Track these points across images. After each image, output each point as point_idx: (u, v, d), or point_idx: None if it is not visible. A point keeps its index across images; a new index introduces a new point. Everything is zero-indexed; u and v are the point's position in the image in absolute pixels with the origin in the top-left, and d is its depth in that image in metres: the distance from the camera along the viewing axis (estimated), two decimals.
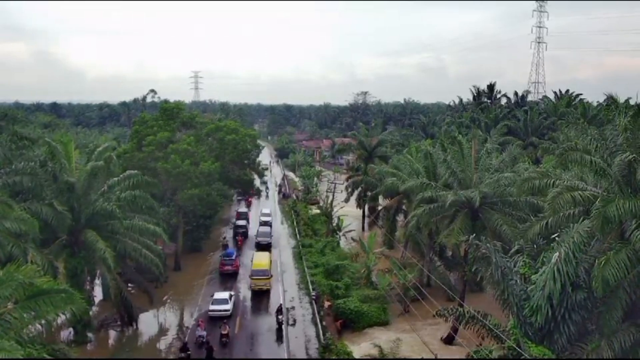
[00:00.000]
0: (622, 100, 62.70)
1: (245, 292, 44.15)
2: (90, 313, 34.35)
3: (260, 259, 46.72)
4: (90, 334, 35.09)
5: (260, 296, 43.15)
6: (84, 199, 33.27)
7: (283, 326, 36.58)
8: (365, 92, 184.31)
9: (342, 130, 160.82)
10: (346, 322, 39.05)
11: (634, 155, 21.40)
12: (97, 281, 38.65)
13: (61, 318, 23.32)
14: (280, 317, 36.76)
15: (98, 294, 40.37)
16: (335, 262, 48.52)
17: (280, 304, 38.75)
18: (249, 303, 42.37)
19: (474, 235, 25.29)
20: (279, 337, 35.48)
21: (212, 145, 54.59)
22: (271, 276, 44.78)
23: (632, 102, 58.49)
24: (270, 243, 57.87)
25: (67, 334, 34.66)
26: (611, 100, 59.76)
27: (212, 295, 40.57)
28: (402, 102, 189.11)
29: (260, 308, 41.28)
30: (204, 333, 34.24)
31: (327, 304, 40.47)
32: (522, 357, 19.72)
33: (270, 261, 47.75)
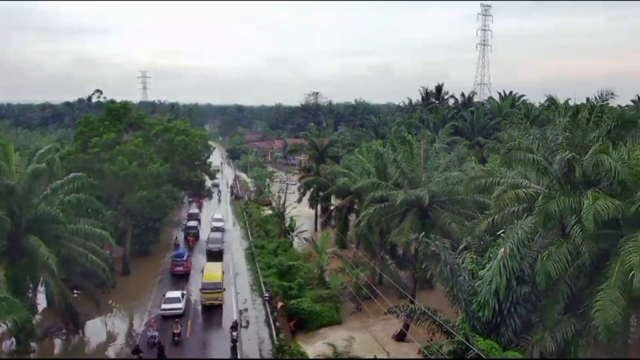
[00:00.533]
0: (561, 101, 65.28)
1: (198, 295, 42.96)
2: (34, 322, 32.96)
3: (212, 271, 42.64)
4: (33, 344, 33.65)
5: (212, 310, 39.89)
6: (25, 203, 31.91)
7: (238, 344, 33.91)
8: (317, 93, 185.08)
9: (294, 130, 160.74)
10: (300, 322, 39.06)
11: (573, 153, 22.35)
12: (41, 288, 37.21)
13: (2, 328, 22.30)
14: (234, 333, 34.15)
15: (42, 301, 38.85)
16: (288, 262, 48.43)
17: (235, 320, 35.98)
18: (200, 318, 39.40)
19: (424, 233, 25.81)
20: (234, 353, 33.41)
21: (161, 147, 53.38)
22: (224, 289, 40.95)
23: (571, 103, 61.09)
24: (223, 250, 55.60)
25: (8, 344, 33.18)
26: (551, 101, 62.05)
27: (164, 295, 39.86)
28: (353, 102, 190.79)
29: (212, 324, 38.40)
30: (156, 333, 33.73)
31: (280, 304, 40.37)
32: (471, 351, 20.25)
33: (223, 272, 43.59)
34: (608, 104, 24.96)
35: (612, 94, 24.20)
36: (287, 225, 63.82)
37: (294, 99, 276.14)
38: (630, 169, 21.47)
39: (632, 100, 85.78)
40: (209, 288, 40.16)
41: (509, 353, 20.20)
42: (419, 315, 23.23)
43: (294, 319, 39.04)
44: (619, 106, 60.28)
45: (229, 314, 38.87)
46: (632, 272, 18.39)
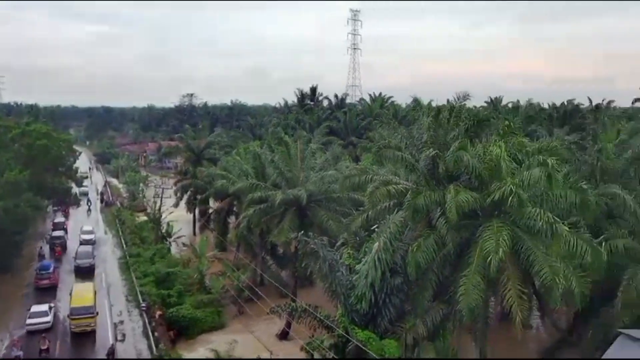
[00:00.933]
0: (425, 102, 70.00)
1: (67, 309, 39.31)
2: None
3: (82, 293, 38.03)
4: None
5: (84, 336, 35.47)
6: None
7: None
8: (192, 94, 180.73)
9: (169, 132, 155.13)
10: (180, 330, 37.88)
11: (436, 151, 24.03)
12: None
13: None
14: (110, 357, 31.52)
15: None
16: (166, 269, 46.74)
17: (113, 344, 33.17)
18: (70, 334, 35.71)
19: (303, 232, 26.31)
20: None
21: (19, 152, 48.97)
22: (97, 313, 36.35)
23: (434, 104, 65.66)
24: (94, 265, 50.44)
25: None
26: (416, 102, 66.22)
27: (29, 309, 36.66)
28: (230, 103, 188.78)
29: (84, 339, 35.28)
30: (21, 353, 31.05)
31: (158, 313, 38.84)
32: (351, 342, 21.02)
33: (95, 293, 39.23)
34: (465, 104, 27.15)
35: (468, 95, 26.39)
36: (163, 231, 61.53)
37: (168, 100, 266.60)
38: (485, 164, 23.52)
39: (486, 102, 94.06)
40: (79, 313, 35.45)
41: (385, 342, 21.23)
42: (300, 313, 23.66)
43: (174, 328, 37.78)
44: (475, 107, 65.73)
45: (103, 331, 36.50)
46: (489, 258, 20.21)
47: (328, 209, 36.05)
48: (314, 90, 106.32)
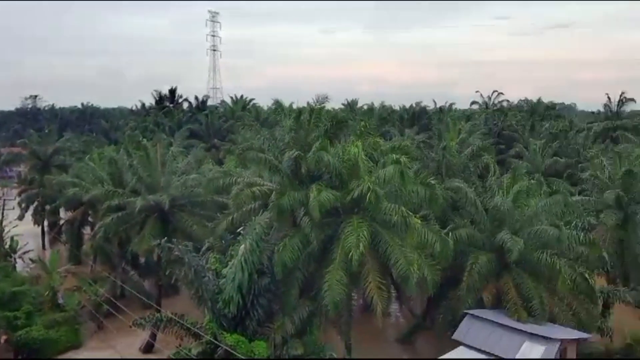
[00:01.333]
0: (287, 104, 71.17)
1: None
2: None
3: None
4: None
5: None
6: None
7: None
8: (36, 96, 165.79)
9: (10, 138, 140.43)
10: (30, 354, 34.58)
11: (298, 152, 24.68)
12: None
13: None
14: None
15: None
16: (11, 289, 42.26)
17: None
18: None
19: (166, 238, 25.41)
20: None
21: None
22: None
23: (295, 107, 67.00)
24: None
25: None
26: (278, 104, 67.11)
27: None
28: (80, 106, 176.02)
29: None
30: None
31: (3, 338, 35.09)
32: (220, 348, 20.77)
33: None
34: (325, 107, 28.19)
35: (327, 98, 27.44)
36: (7, 246, 55.65)
37: (8, 103, 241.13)
38: (344, 164, 24.65)
39: (343, 104, 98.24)
40: None
41: (254, 343, 21.29)
42: (165, 323, 22.85)
43: (24, 352, 34.41)
44: (334, 109, 68.37)
45: None
46: (351, 253, 21.23)
47: (192, 213, 35.25)
48: (173, 92, 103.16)
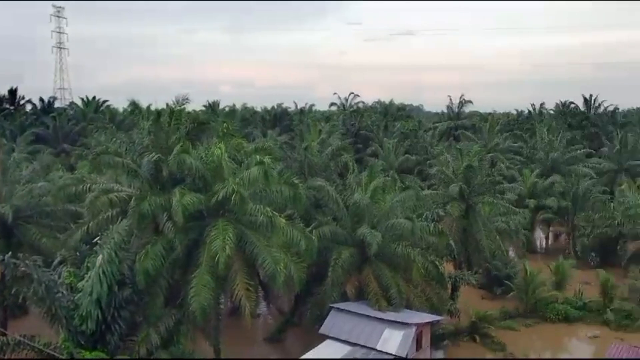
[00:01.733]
0: (144, 106, 68.10)
1: None
2: None
3: None
4: None
5: None
6: None
7: None
8: None
9: None
10: None
11: (158, 155, 23.86)
12: None
13: None
14: None
15: None
16: None
17: None
18: None
19: (10, 253, 23.08)
20: None
21: None
22: None
23: (153, 108, 64.41)
24: None
25: None
26: (134, 106, 64.06)
27: None
28: None
29: None
30: None
31: None
32: None
33: None
34: (185, 108, 27.55)
35: (187, 99, 26.85)
36: None
37: None
38: (208, 166, 24.31)
39: (204, 105, 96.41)
40: None
41: (116, 358, 20.20)
42: (13, 346, 20.75)
43: None
44: (195, 110, 66.80)
45: None
46: (217, 256, 21.01)
47: (41, 225, 32.30)
48: (13, 92, 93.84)
